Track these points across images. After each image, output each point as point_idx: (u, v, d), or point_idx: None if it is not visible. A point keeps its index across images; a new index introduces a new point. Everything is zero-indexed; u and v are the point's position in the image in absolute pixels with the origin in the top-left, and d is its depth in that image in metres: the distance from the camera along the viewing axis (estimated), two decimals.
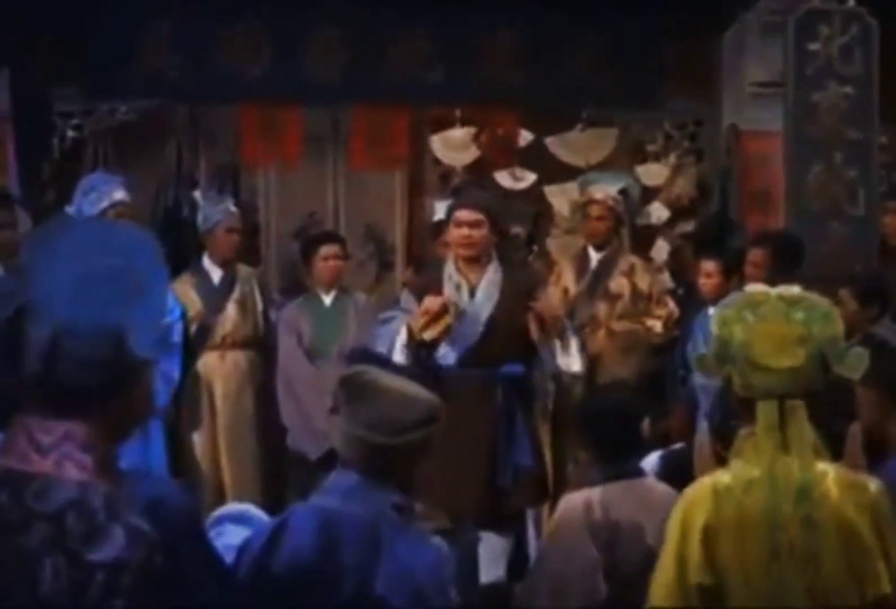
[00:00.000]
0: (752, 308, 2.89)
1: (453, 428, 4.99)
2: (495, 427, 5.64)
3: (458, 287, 5.81)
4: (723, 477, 2.94)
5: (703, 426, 4.10)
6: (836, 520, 2.88)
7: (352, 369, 3.31)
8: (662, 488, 4.24)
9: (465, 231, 5.75)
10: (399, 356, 5.64)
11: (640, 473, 4.28)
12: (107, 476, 2.22)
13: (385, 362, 3.33)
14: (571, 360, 5.64)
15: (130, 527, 2.16)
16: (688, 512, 2.93)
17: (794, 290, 2.98)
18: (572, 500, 4.19)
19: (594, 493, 4.17)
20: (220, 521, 3.97)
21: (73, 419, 2.22)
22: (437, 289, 5.80)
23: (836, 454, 3.21)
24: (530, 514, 6.41)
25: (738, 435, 2.92)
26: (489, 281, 5.82)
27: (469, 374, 5.68)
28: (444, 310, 5.60)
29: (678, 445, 5.04)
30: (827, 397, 2.95)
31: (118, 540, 2.14)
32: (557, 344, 5.64)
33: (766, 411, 2.90)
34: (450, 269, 5.87)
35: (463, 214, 5.77)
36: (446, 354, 5.72)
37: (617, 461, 4.20)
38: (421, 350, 5.64)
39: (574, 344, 5.65)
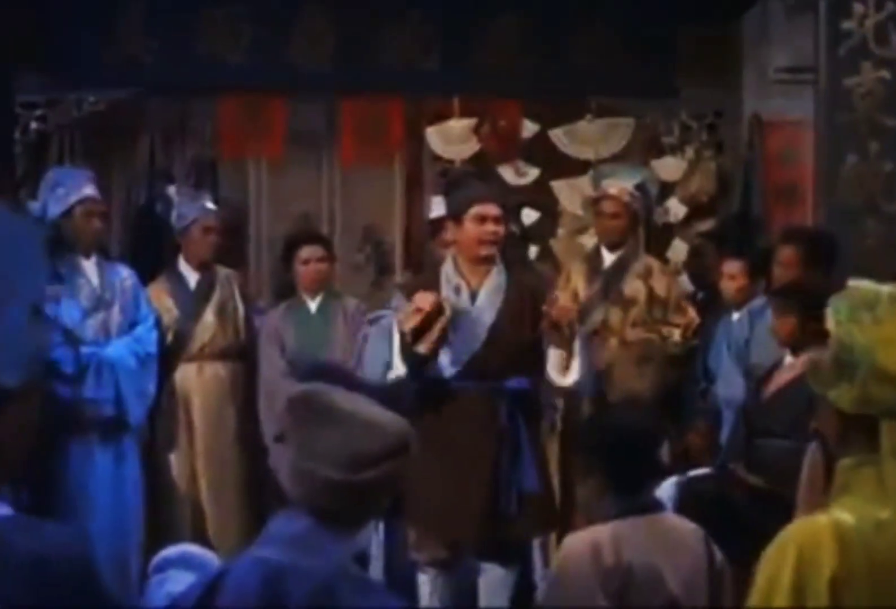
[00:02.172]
0: (866, 308, 2.53)
1: (451, 447, 5.19)
2: (498, 447, 5.34)
3: (457, 290, 5.48)
4: (843, 516, 2.44)
5: (815, 455, 3.58)
6: None
7: (303, 387, 2.78)
8: (684, 525, 3.81)
9: (492, 227, 5.43)
10: (399, 369, 5.38)
11: (657, 507, 3.82)
12: None
13: (346, 378, 2.80)
14: (568, 373, 5.36)
15: None
16: (808, 560, 2.42)
17: None
18: (577, 541, 3.72)
19: (603, 532, 3.71)
20: (165, 565, 3.68)
21: None
22: (433, 292, 5.47)
23: None
24: (536, 541, 6.14)
25: (841, 463, 2.49)
26: (492, 284, 5.49)
27: (469, 389, 5.37)
28: (437, 310, 5.26)
29: (698, 471, 4.54)
30: None
31: None
32: (555, 353, 5.34)
33: (893, 434, 2.44)
34: (448, 269, 5.53)
35: (489, 209, 5.44)
36: (443, 366, 5.40)
37: (630, 493, 3.74)
38: (416, 363, 5.33)
39: (580, 357, 5.36)
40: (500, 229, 5.44)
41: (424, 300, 5.28)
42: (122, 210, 7.96)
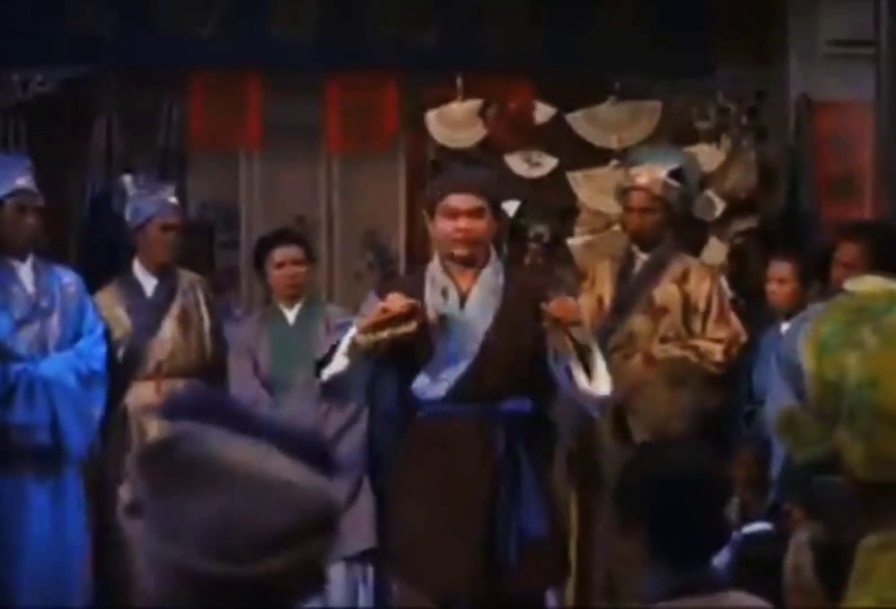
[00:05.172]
0: (869, 320, 2.03)
1: (437, 486, 4.93)
2: (495, 484, 4.96)
3: (444, 293, 5.06)
4: None
5: (799, 536, 3.10)
6: None
7: (167, 433, 2.06)
8: (753, 605, 3.05)
9: (462, 223, 4.98)
10: (338, 366, 4.96)
11: (718, 584, 3.07)
12: None
13: (241, 415, 2.03)
14: (598, 382, 4.96)
15: None
16: None
17: None
18: None
19: None
20: None
21: None
22: (415, 296, 5.06)
23: None
24: (550, 593, 5.64)
25: (861, 547, 2.02)
26: (486, 286, 5.07)
27: (458, 413, 4.98)
28: (409, 314, 4.85)
29: (755, 527, 4.00)
30: None
31: None
32: (575, 361, 4.94)
33: None
34: (433, 269, 5.11)
35: (458, 200, 5.00)
36: (429, 385, 5.00)
37: (683, 566, 2.99)
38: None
39: (599, 359, 4.97)
40: (477, 225, 5.01)
41: (394, 302, 4.87)
42: (76, 206, 7.68)
